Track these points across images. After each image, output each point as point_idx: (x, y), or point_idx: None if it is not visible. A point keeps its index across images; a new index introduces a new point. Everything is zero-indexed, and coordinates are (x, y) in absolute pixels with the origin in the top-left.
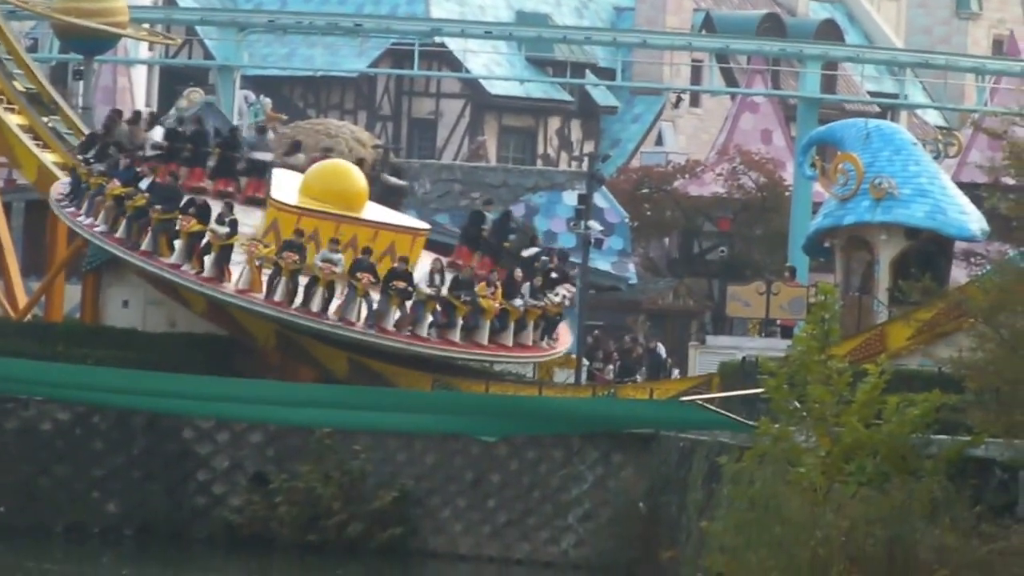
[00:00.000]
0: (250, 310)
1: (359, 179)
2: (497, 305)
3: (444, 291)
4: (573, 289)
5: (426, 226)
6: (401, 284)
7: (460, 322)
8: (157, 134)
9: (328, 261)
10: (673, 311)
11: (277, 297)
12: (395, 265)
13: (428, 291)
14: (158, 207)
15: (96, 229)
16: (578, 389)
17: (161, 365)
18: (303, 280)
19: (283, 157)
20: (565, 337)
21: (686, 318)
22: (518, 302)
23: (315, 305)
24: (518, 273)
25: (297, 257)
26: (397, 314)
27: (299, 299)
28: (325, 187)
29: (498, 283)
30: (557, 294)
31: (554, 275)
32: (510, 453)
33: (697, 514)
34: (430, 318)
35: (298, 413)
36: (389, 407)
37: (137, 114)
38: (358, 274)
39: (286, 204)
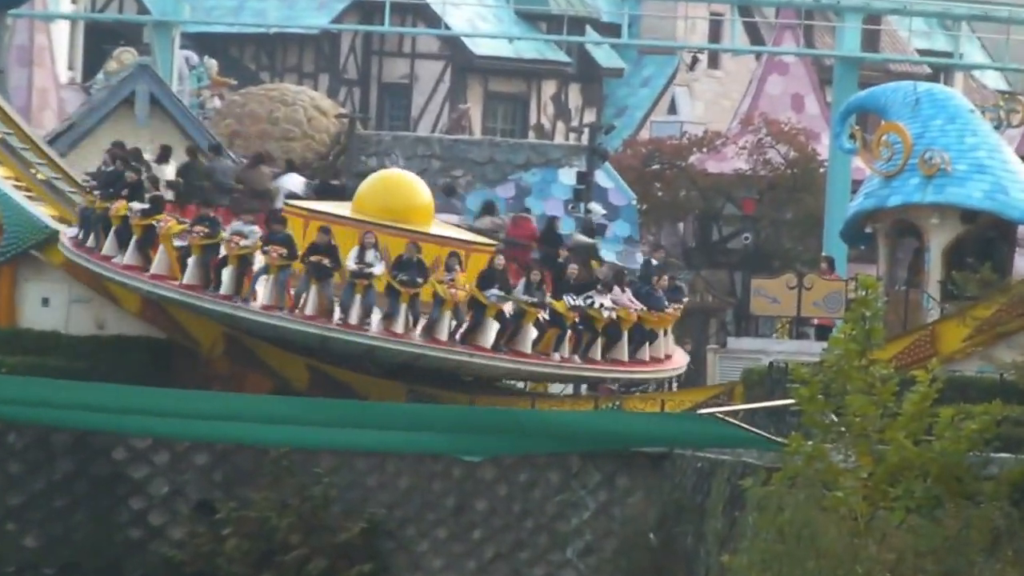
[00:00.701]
0: (287, 328)
1: (418, 193)
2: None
3: (378, 270)
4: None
5: (485, 241)
6: (322, 260)
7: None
8: (170, 171)
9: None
10: (689, 308)
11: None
12: (317, 239)
13: (353, 267)
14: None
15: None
16: (577, 401)
17: (88, 374)
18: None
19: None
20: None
21: (704, 316)
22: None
23: (353, 317)
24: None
25: (207, 230)
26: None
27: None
28: (380, 203)
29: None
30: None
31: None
32: (498, 476)
33: (717, 546)
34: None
35: (250, 430)
36: (357, 423)
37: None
38: (267, 247)
39: (295, 206)
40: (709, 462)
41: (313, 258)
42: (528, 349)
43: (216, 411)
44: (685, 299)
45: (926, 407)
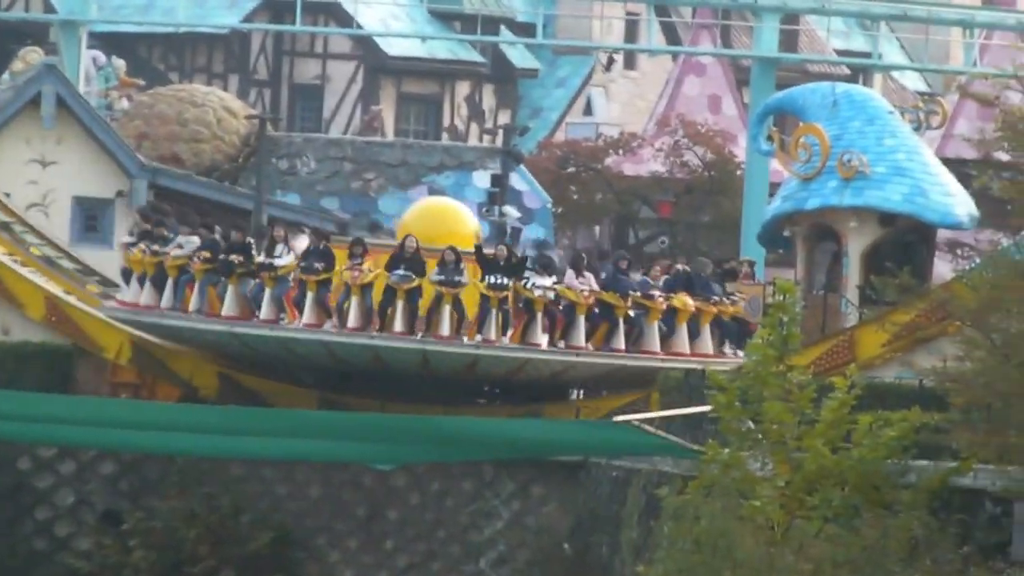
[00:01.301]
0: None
1: (462, 220)
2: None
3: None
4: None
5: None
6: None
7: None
8: (192, 245)
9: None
10: None
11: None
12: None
13: (260, 260)
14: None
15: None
16: (491, 408)
17: None
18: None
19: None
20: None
21: None
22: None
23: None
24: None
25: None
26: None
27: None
28: (423, 230)
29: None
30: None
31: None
32: (410, 484)
33: (632, 556)
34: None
35: (157, 438)
36: (266, 431)
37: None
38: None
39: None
40: (625, 471)
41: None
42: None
43: (123, 419)
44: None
45: (844, 414)
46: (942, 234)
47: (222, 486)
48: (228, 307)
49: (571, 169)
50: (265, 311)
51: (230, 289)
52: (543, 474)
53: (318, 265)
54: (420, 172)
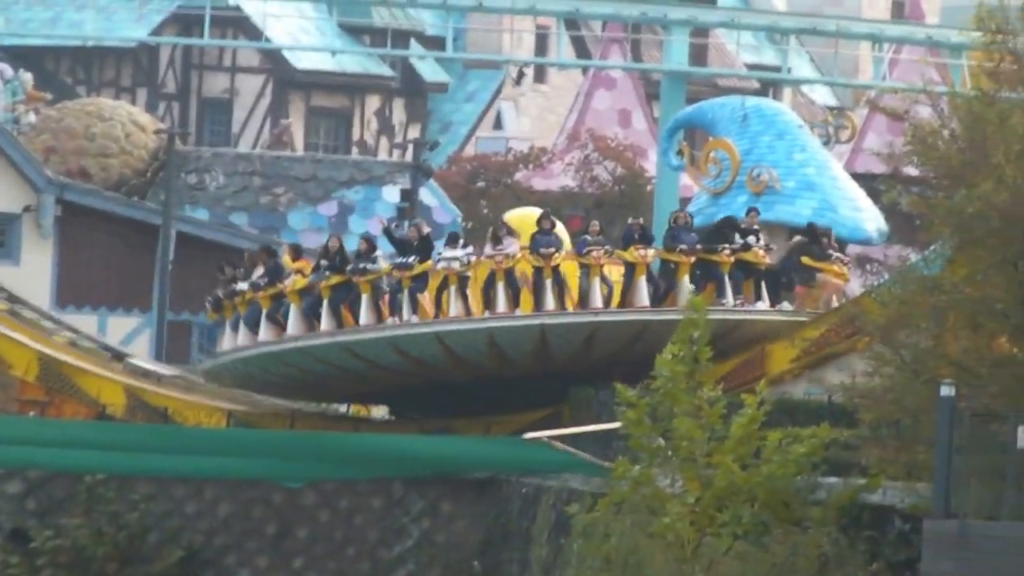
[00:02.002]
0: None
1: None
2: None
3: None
4: None
5: None
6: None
7: None
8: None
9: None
10: None
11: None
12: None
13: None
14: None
15: None
16: (401, 425)
17: None
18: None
19: None
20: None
21: None
22: None
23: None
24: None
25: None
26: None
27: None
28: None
29: None
30: None
31: None
32: (319, 502)
33: (542, 574)
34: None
35: (64, 456)
36: (174, 448)
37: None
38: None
39: None
40: (534, 487)
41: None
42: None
43: (29, 437)
44: None
45: (754, 430)
46: (851, 249)
47: (130, 504)
48: (363, 317)
49: (481, 184)
50: (365, 317)
51: (364, 299)
52: (453, 491)
53: (411, 260)
54: (330, 187)
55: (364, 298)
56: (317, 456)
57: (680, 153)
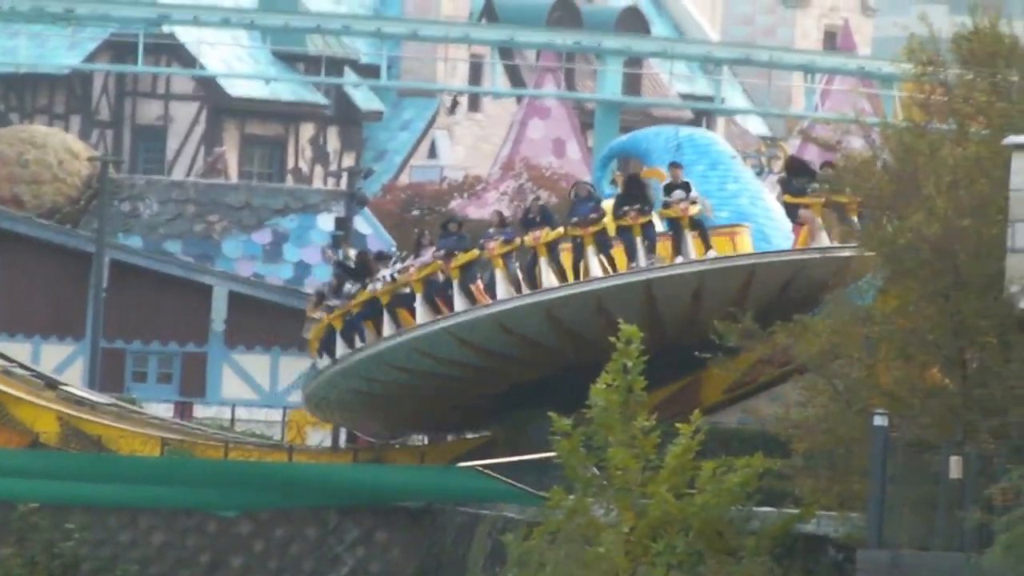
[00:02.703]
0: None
1: None
2: None
3: None
4: None
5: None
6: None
7: None
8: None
9: None
10: None
11: None
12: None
13: None
14: None
15: None
16: (335, 454)
17: None
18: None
19: None
20: None
21: None
22: None
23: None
24: None
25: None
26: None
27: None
28: None
29: None
30: None
31: None
32: (254, 531)
33: None
34: None
35: None
36: (109, 477)
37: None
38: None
39: None
40: (470, 516)
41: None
42: None
43: None
44: None
45: (688, 460)
46: None
47: (64, 533)
48: (501, 292)
49: (415, 212)
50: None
51: (498, 274)
52: (387, 520)
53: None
54: (264, 214)
55: (499, 272)
56: (252, 485)
57: (614, 182)
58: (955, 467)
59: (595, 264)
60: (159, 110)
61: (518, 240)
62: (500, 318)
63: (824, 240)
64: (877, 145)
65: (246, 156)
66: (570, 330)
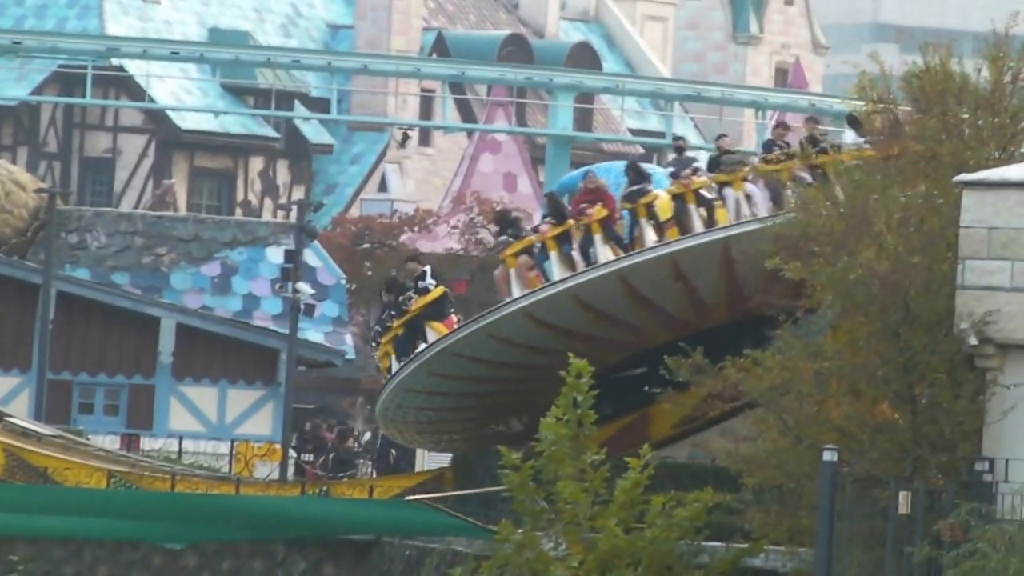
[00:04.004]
0: None
1: None
2: None
3: None
4: None
5: None
6: None
7: None
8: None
9: None
10: None
11: None
12: None
13: None
14: None
15: None
16: (283, 486)
17: None
18: None
19: None
20: None
21: None
22: None
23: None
24: None
25: None
26: None
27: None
28: None
29: None
30: None
31: None
32: (201, 564)
33: None
34: None
35: None
36: (54, 508)
37: None
38: None
39: None
40: (418, 550)
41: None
42: None
43: None
44: None
45: (637, 494)
46: None
47: (8, 565)
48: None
49: (366, 245)
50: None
51: (553, 256)
52: (335, 553)
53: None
54: (213, 247)
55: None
56: (199, 517)
57: None
58: (904, 502)
59: (650, 233)
60: (107, 142)
61: (570, 222)
62: (576, 291)
63: (746, 212)
64: (828, 182)
65: (195, 188)
66: (646, 299)
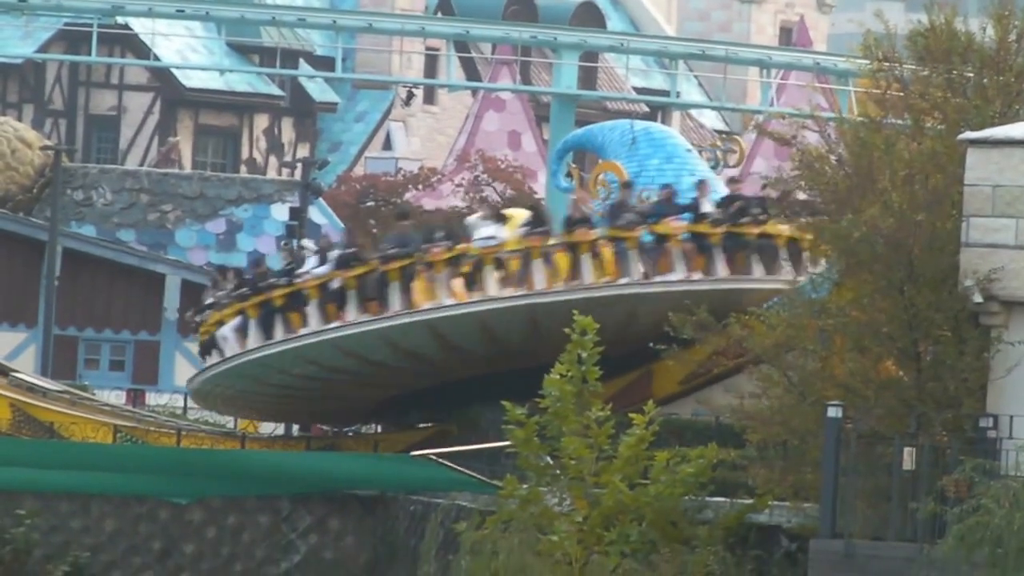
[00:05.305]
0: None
1: None
2: None
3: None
4: None
5: None
6: None
7: None
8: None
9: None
10: None
11: None
12: None
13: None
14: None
15: None
16: (288, 442)
17: None
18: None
19: None
20: None
21: None
22: None
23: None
24: None
25: None
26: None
27: None
28: None
29: None
30: None
31: None
32: (206, 518)
33: None
34: None
35: None
36: (61, 463)
37: None
38: None
39: None
40: (423, 505)
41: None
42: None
43: None
44: None
45: (642, 450)
46: None
47: (16, 520)
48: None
49: (370, 203)
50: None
51: (395, 286)
52: (340, 508)
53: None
54: (218, 205)
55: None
56: (204, 472)
57: (569, 175)
58: (908, 459)
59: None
60: (113, 100)
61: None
62: (386, 333)
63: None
64: (832, 140)
65: (200, 146)
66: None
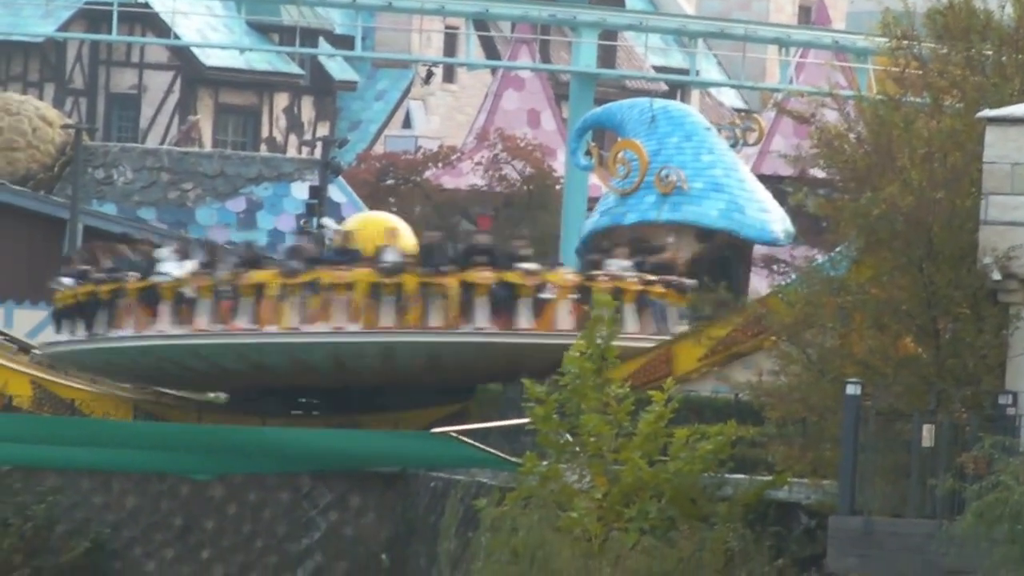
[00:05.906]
0: None
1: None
2: None
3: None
4: None
5: None
6: None
7: None
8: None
9: None
10: None
11: None
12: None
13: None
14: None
15: None
16: (309, 419)
17: None
18: None
19: None
20: None
21: None
22: None
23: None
24: None
25: None
26: None
27: None
28: None
29: None
30: None
31: None
32: (227, 495)
33: (450, 567)
34: None
35: None
36: (82, 440)
37: None
38: None
39: None
40: (443, 481)
41: None
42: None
43: None
44: None
45: (661, 427)
46: (758, 250)
47: (37, 496)
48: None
49: (390, 181)
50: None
51: (244, 302)
52: (361, 485)
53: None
54: (238, 183)
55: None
56: (225, 449)
57: (589, 153)
58: (927, 435)
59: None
60: (133, 79)
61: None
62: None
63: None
64: (851, 118)
65: (220, 125)
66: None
